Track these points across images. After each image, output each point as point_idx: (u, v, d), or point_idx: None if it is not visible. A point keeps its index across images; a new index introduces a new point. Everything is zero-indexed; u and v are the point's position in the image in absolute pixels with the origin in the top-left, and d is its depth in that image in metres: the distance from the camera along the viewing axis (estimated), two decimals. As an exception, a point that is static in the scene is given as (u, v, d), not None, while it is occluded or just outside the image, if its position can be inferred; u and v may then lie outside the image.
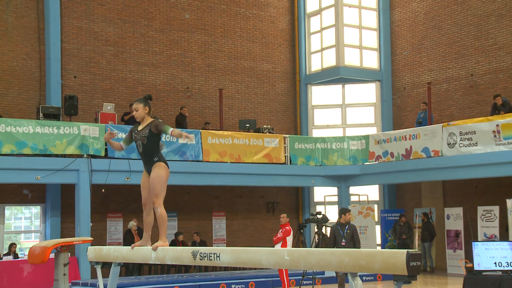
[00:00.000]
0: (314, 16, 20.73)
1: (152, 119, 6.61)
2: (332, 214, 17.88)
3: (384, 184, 19.13)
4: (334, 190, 18.76)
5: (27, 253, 12.90)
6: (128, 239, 15.47)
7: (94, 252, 7.33)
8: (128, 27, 17.76)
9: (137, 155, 15.04)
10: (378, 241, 18.46)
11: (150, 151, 6.58)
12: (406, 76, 19.58)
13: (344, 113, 20.28)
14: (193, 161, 15.86)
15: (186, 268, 16.12)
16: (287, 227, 11.45)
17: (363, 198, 19.17)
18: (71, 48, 16.81)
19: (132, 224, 15.62)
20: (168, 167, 6.70)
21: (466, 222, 16.27)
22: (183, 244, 16.16)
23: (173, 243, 16.35)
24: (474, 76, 17.72)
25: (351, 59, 20.03)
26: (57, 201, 15.74)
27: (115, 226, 16.49)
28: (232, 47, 19.43)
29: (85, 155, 14.40)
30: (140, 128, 6.62)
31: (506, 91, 16.71)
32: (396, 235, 17.60)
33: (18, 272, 13.55)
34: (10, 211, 16.17)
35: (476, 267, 10.42)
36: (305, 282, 12.86)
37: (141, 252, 6.93)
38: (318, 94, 20.61)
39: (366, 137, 17.91)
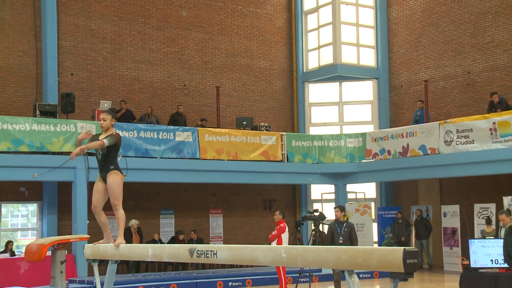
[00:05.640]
0: (311, 13, 20.73)
1: (114, 131, 7.23)
2: (329, 211, 17.88)
3: (381, 182, 19.16)
4: (331, 187, 18.78)
5: (24, 251, 12.89)
6: (127, 237, 15.47)
7: (91, 250, 7.34)
8: (125, 24, 17.74)
9: (134, 153, 15.04)
10: (375, 238, 18.49)
11: (108, 160, 7.14)
12: (403, 74, 19.60)
13: (341, 111, 20.29)
14: (190, 158, 15.86)
15: (183, 266, 16.13)
16: (282, 224, 11.45)
17: (360, 196, 19.20)
18: (67, 46, 16.78)
19: (134, 222, 15.63)
20: (122, 174, 7.27)
21: (462, 220, 16.31)
22: (182, 242, 16.16)
23: (173, 241, 16.37)
24: (471, 74, 17.74)
25: (348, 56, 20.03)
26: (54, 199, 15.73)
27: (112, 223, 16.38)
28: (229, 44, 19.42)
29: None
30: (101, 137, 7.16)
31: (503, 88, 16.74)
32: (394, 234, 17.63)
33: (15, 270, 13.54)
34: (6, 208, 16.15)
35: (472, 265, 10.44)
36: (302, 280, 12.87)
37: (138, 250, 6.95)
38: (315, 92, 20.61)
39: (363, 135, 17.93)
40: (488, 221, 14.32)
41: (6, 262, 13.62)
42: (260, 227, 18.95)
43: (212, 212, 18.29)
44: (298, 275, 12.53)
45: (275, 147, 17.27)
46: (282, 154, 17.41)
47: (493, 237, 12.13)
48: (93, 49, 17.18)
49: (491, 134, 14.51)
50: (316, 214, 11.96)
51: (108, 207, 7.27)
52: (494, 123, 14.48)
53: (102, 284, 7.36)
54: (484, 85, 17.33)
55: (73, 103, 15.44)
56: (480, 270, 10.29)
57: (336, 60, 19.64)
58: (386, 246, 16.66)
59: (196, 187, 17.88)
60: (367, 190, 19.45)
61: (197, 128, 16.28)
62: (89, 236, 12.63)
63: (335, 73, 19.75)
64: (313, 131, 20.13)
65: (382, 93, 19.94)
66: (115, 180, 7.09)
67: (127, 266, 15.54)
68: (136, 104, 17.53)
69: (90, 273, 14.12)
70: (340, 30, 19.75)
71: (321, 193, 19.41)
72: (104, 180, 7.13)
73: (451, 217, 16.64)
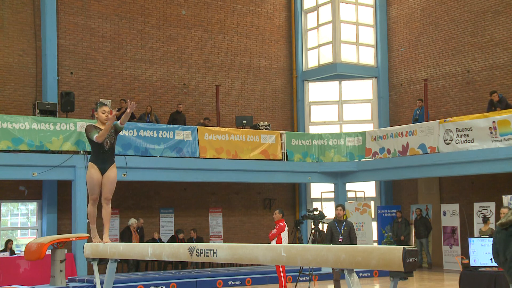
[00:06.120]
0: (311, 12, 20.72)
1: None
2: (329, 210, 17.90)
3: (380, 181, 19.16)
4: (330, 186, 18.78)
5: (23, 250, 12.90)
6: (126, 236, 15.49)
7: (91, 249, 7.33)
8: (125, 23, 17.72)
9: (134, 152, 15.03)
10: (375, 237, 18.49)
11: (114, 150, 7.14)
12: (402, 73, 19.60)
13: (341, 110, 20.28)
14: (189, 157, 15.86)
15: (183, 265, 16.14)
16: (281, 223, 11.44)
17: (359, 195, 19.20)
18: (67, 44, 16.78)
19: (134, 221, 15.64)
20: None
21: (462, 219, 16.31)
22: (182, 241, 16.17)
23: (173, 240, 16.39)
24: (470, 73, 17.74)
25: (348, 55, 20.02)
26: (54, 198, 15.73)
27: (112, 222, 16.46)
28: (228, 43, 19.41)
29: (81, 152, 14.39)
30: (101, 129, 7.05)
31: (503, 87, 16.74)
32: (394, 233, 17.64)
33: (15, 269, 13.54)
34: (6, 207, 16.15)
35: (472, 263, 10.44)
36: (302, 278, 12.87)
37: (138, 249, 6.94)
38: (315, 91, 20.61)
39: (363, 134, 17.93)
40: (485, 220, 14.33)
41: (6, 261, 13.62)
42: (260, 226, 18.95)
43: (212, 211, 18.29)
44: (297, 274, 12.54)
45: (274, 146, 17.27)
46: (282, 153, 17.41)
47: (487, 236, 12.13)
48: (93, 48, 17.17)
49: (491, 133, 14.52)
50: (316, 213, 11.96)
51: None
52: (493, 122, 14.48)
53: (102, 283, 7.36)
54: (484, 84, 17.33)
55: (73, 102, 15.44)
56: (480, 269, 10.29)
57: (336, 59, 19.63)
58: (386, 245, 16.68)
59: (195, 186, 17.88)
60: (366, 189, 19.45)
61: (197, 127, 16.28)
62: (88, 235, 12.63)
63: (335, 72, 19.73)
64: (312, 130, 20.12)
65: (381, 92, 19.93)
66: (116, 174, 7.12)
67: (127, 265, 15.55)
68: (136, 103, 17.48)
69: (90, 272, 14.12)
70: (339, 29, 19.74)
71: (320, 192, 19.41)
72: (103, 172, 7.04)
73: (450, 216, 16.65)
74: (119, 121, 7.09)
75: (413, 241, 17.56)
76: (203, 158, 16.03)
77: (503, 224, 5.41)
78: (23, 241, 16.26)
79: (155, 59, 18.11)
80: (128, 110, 6.94)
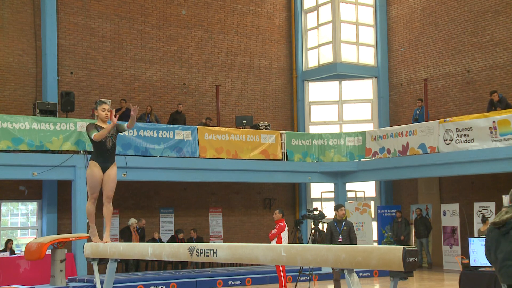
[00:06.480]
0: (311, 12, 20.72)
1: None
2: (329, 210, 17.89)
3: (380, 180, 19.16)
4: (330, 186, 18.78)
5: (23, 250, 12.89)
6: (126, 236, 15.49)
7: (91, 248, 7.33)
8: (125, 23, 17.72)
9: (134, 152, 15.03)
10: (375, 237, 18.49)
11: (115, 149, 7.18)
12: (402, 73, 19.60)
13: (341, 110, 20.28)
14: (189, 157, 15.86)
15: (183, 265, 16.13)
16: (281, 223, 11.44)
17: (359, 195, 19.20)
18: (67, 44, 16.77)
19: (134, 221, 15.64)
20: None
21: (462, 218, 16.31)
22: (182, 241, 16.16)
23: (173, 240, 16.39)
24: (470, 73, 17.73)
25: (348, 55, 20.02)
26: (54, 198, 15.73)
27: (112, 222, 16.41)
28: (229, 43, 19.41)
29: (81, 152, 14.39)
30: (104, 126, 7.10)
31: (503, 87, 16.74)
32: (394, 233, 17.64)
33: (15, 269, 13.54)
34: (6, 207, 16.14)
35: (472, 263, 10.44)
36: (302, 278, 12.87)
37: (138, 248, 6.94)
38: (315, 91, 20.60)
39: (363, 134, 17.93)
40: (484, 220, 14.32)
41: (6, 261, 13.62)
42: (260, 226, 18.94)
43: (212, 211, 18.29)
44: (297, 274, 12.54)
45: (274, 145, 17.27)
46: (282, 152, 17.41)
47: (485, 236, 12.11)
48: (93, 47, 17.17)
49: (491, 132, 14.52)
50: (316, 213, 11.96)
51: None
52: (493, 121, 14.49)
53: (102, 283, 7.35)
54: (484, 84, 17.33)
55: (73, 101, 15.44)
56: (480, 269, 10.29)
57: (336, 58, 19.63)
58: (386, 245, 16.68)
59: (195, 186, 17.88)
60: (366, 188, 19.45)
61: (197, 127, 16.28)
62: (88, 235, 12.62)
63: (335, 71, 19.73)
64: (312, 129, 20.12)
65: (381, 92, 19.93)
66: (116, 172, 7.19)
67: (126, 265, 15.55)
68: (136, 102, 17.51)
69: (90, 271, 14.12)
70: (339, 29, 19.74)
71: (320, 191, 19.41)
72: (104, 171, 7.06)
73: (450, 215, 16.65)
74: (127, 123, 7.06)
75: (413, 241, 17.56)
76: (203, 158, 16.03)
77: (496, 223, 5.41)
78: (23, 241, 16.26)
79: (155, 59, 18.11)
80: (132, 113, 6.92)
